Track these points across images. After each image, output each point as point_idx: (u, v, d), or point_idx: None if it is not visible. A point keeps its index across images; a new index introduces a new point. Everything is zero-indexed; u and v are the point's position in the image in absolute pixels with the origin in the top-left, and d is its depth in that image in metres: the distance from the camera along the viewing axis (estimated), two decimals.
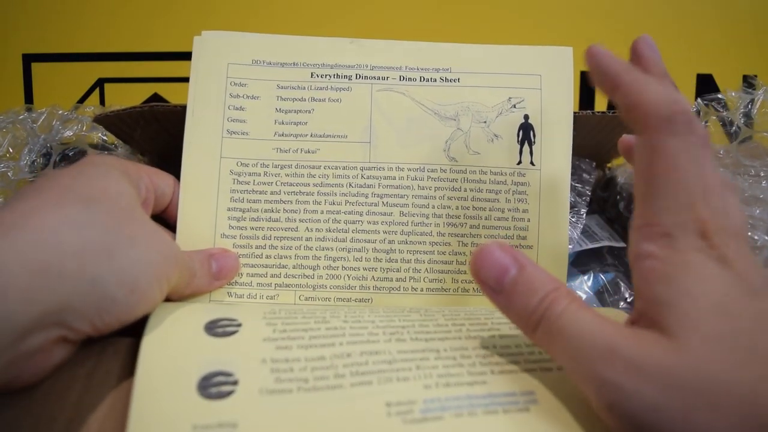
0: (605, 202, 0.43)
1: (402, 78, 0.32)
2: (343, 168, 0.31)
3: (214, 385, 0.20)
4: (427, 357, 0.22)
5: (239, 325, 0.23)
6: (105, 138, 0.44)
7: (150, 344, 0.22)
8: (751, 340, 0.17)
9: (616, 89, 0.21)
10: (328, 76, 0.32)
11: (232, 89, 0.32)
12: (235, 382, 0.20)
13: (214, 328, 0.23)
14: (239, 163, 0.31)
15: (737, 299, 0.18)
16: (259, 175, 0.31)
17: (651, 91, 0.20)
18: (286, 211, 0.31)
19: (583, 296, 0.38)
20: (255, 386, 0.20)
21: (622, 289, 0.39)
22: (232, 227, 0.31)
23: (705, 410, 0.16)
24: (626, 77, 0.21)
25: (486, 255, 0.21)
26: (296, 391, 0.20)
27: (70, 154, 0.44)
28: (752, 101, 0.45)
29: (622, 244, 0.40)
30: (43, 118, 0.45)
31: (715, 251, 0.19)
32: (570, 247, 0.31)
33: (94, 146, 0.44)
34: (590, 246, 0.39)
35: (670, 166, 0.19)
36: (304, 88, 0.32)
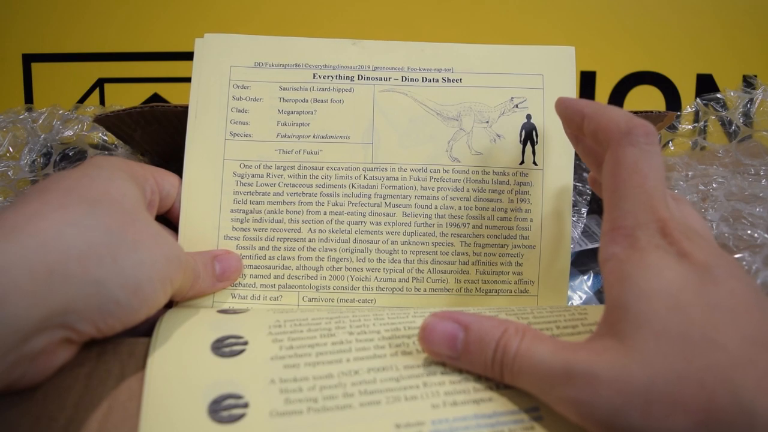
0: None
1: (404, 78, 0.32)
2: (346, 169, 0.31)
3: (224, 409, 0.20)
4: (433, 371, 0.22)
5: (245, 343, 0.23)
6: (105, 138, 0.44)
7: (156, 366, 0.22)
8: (701, 330, 0.18)
9: (582, 120, 0.24)
10: (330, 77, 0.32)
11: (234, 91, 0.32)
12: (245, 405, 0.20)
13: (220, 347, 0.23)
14: (242, 165, 0.31)
15: (691, 291, 0.18)
16: (262, 176, 0.31)
17: (611, 113, 0.23)
18: (289, 213, 0.31)
19: (583, 296, 0.38)
20: (266, 408, 0.20)
21: None
22: (236, 229, 0.31)
23: (659, 404, 0.17)
24: (590, 108, 0.24)
25: (430, 331, 0.22)
26: (306, 412, 0.20)
27: (71, 153, 0.44)
28: (751, 101, 0.45)
29: None
30: (43, 117, 0.45)
31: (674, 247, 0.19)
32: (570, 246, 0.31)
33: (95, 146, 0.44)
34: (590, 246, 0.39)
35: (631, 172, 0.21)
36: (307, 90, 0.32)
